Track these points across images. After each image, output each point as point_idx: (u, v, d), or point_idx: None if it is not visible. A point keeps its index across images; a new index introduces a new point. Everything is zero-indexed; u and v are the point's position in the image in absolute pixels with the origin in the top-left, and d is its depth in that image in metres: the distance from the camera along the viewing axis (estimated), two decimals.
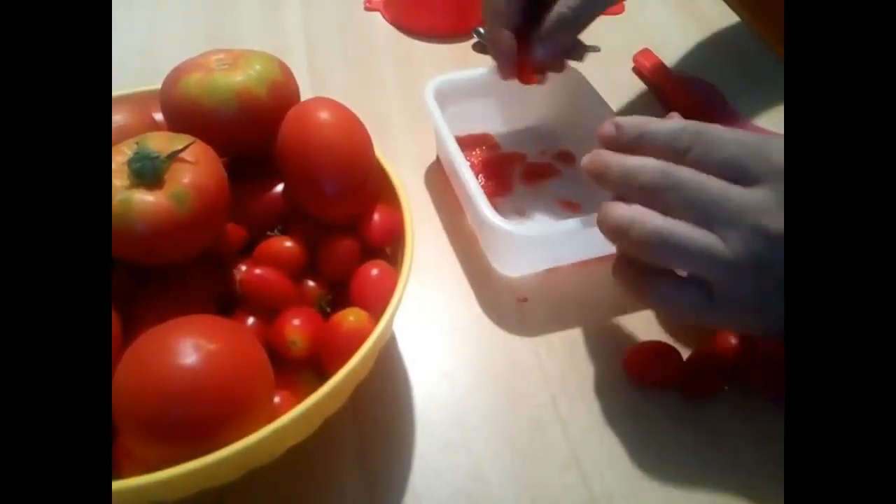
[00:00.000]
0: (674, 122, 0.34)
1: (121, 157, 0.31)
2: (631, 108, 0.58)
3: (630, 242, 0.33)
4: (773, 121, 0.55)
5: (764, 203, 0.31)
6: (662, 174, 0.32)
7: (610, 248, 0.46)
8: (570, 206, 0.49)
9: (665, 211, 0.32)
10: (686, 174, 0.32)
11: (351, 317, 0.32)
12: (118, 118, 0.36)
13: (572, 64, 0.50)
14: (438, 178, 0.52)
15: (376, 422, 0.38)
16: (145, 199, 0.30)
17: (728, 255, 0.31)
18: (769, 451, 0.37)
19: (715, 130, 0.33)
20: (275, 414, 0.28)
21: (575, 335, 0.42)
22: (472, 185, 0.42)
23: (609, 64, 0.61)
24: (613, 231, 0.34)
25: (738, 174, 0.32)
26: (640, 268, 0.34)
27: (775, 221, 0.30)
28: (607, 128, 0.36)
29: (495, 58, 0.46)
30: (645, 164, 0.33)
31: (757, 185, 0.31)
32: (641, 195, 0.33)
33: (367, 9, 0.69)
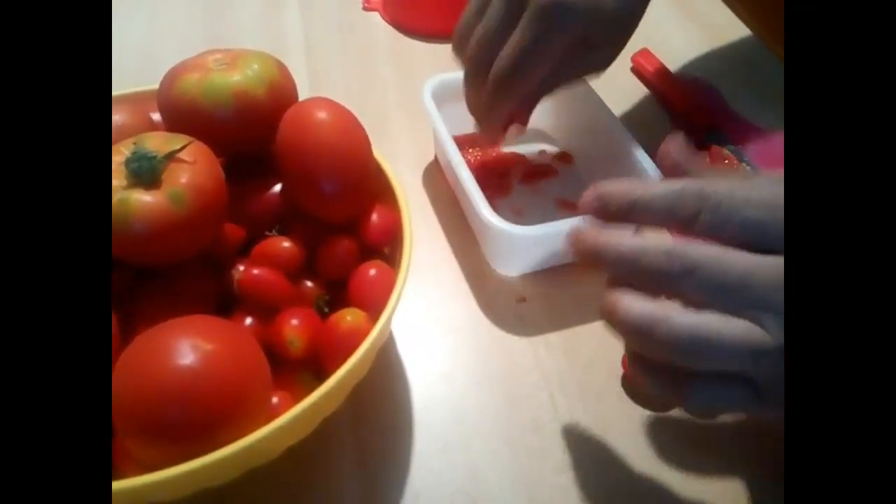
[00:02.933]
0: (668, 186, 0.28)
1: (118, 157, 0.31)
2: (629, 109, 0.58)
3: (653, 345, 0.27)
4: (771, 122, 0.55)
5: None
6: (668, 257, 0.26)
7: None
8: (568, 206, 0.49)
9: (680, 298, 0.27)
10: (697, 253, 0.26)
11: (349, 317, 0.32)
12: (116, 118, 0.36)
13: None
14: (437, 178, 0.52)
15: (375, 422, 0.37)
16: (143, 199, 0.30)
17: (769, 343, 0.25)
18: (770, 453, 0.37)
19: (722, 190, 0.27)
20: (273, 414, 0.28)
21: (573, 335, 0.42)
22: (470, 185, 0.42)
23: None
24: (629, 333, 0.27)
25: (760, 239, 0.26)
26: (662, 371, 0.28)
27: None
28: (588, 199, 0.30)
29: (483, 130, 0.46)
30: (645, 247, 0.27)
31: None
32: (647, 282, 0.27)
33: (365, 9, 0.69)
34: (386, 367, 0.40)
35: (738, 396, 0.27)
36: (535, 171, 0.52)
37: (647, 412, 0.38)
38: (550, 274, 0.45)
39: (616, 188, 0.29)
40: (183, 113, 0.35)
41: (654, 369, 0.28)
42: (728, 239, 0.27)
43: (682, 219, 0.28)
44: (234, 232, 0.36)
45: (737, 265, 0.26)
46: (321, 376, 0.30)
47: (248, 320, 0.33)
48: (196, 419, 0.26)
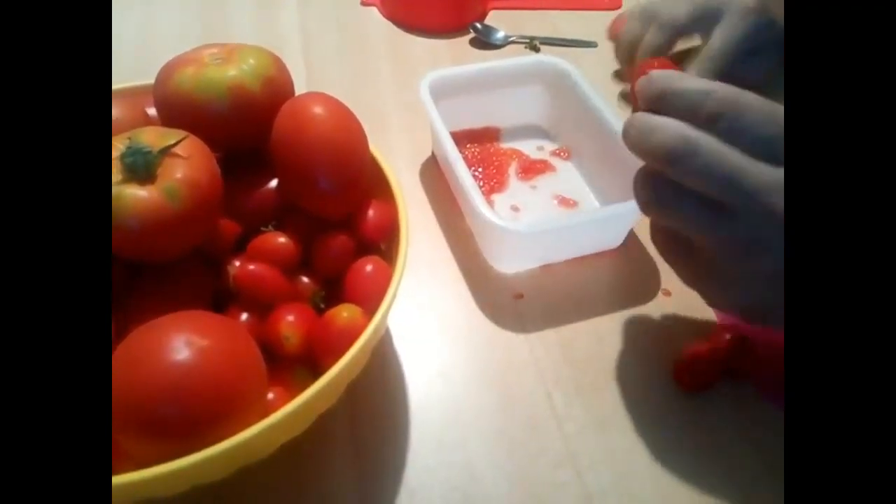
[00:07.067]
0: (701, 84, 0.30)
1: (113, 151, 0.31)
2: (628, 106, 0.58)
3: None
4: None
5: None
6: (682, 140, 0.30)
7: (604, 246, 0.46)
8: (565, 203, 0.49)
9: (682, 178, 0.30)
10: (706, 143, 0.29)
11: (345, 313, 0.32)
12: (111, 112, 0.36)
13: (555, 58, 0.50)
14: (434, 174, 0.51)
15: (370, 418, 0.37)
16: (137, 194, 0.30)
17: (730, 230, 0.30)
18: (765, 450, 0.37)
19: (746, 102, 0.30)
20: (268, 410, 0.28)
21: (570, 331, 0.42)
22: (467, 181, 0.42)
23: (605, 60, 0.61)
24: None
25: (768, 154, 0.29)
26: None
27: None
28: (642, 80, 0.32)
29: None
30: (666, 125, 0.30)
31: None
32: (658, 159, 0.31)
33: (363, 4, 0.68)
34: (382, 364, 0.40)
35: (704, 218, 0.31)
36: (532, 167, 0.52)
37: (643, 412, 0.38)
38: (547, 270, 0.45)
39: (660, 74, 0.32)
40: (178, 107, 0.35)
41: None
42: (739, 146, 0.29)
43: (702, 116, 0.30)
44: (229, 227, 0.35)
45: (736, 160, 0.29)
46: (317, 372, 0.30)
47: (244, 316, 0.33)
48: (190, 415, 0.26)
